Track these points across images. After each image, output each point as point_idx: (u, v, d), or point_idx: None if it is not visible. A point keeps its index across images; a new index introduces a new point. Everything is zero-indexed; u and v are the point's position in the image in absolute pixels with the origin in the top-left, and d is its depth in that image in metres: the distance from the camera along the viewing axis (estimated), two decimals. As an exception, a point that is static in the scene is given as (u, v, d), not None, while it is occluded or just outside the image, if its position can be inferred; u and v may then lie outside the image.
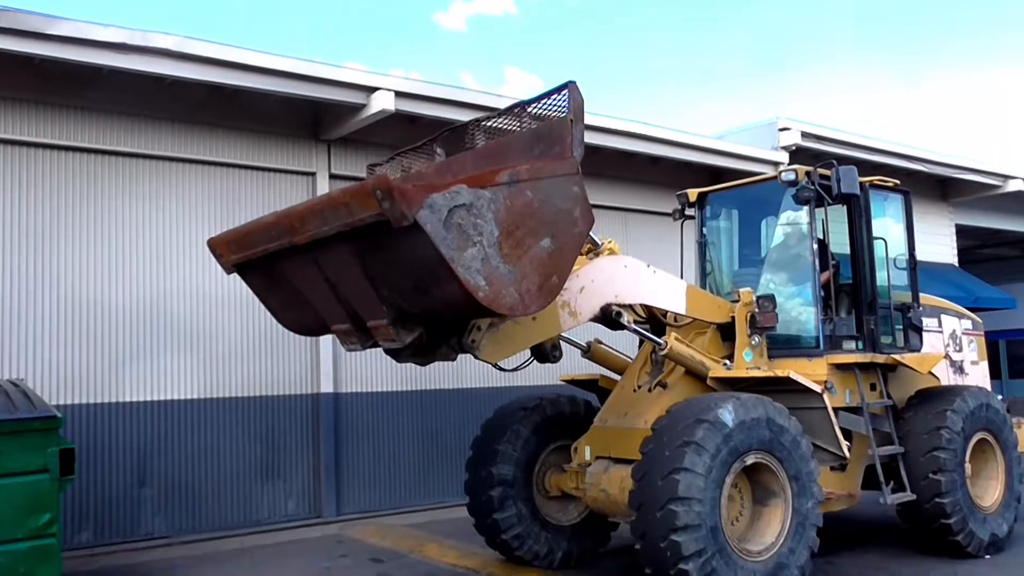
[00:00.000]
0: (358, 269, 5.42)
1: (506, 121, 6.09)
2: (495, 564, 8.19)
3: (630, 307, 7.51)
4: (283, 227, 5.74)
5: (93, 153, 9.60)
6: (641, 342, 8.04)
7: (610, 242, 7.36)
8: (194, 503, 9.84)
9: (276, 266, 6.11)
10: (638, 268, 7.12)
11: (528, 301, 5.21)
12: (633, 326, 7.16)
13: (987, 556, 8.20)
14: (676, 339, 7.30)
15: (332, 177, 11.10)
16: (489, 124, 6.24)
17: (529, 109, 5.89)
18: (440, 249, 4.77)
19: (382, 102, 10.23)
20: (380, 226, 4.79)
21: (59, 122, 9.39)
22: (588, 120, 12.06)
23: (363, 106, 10.36)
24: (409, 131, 11.45)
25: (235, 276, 10.41)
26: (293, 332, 7.12)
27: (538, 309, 5.36)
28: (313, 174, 11.00)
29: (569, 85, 5.59)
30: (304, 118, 10.94)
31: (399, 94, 10.39)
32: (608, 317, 6.78)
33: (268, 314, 10.59)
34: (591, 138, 12.35)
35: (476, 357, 6.33)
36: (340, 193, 5.31)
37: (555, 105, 5.72)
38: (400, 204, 4.63)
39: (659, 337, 7.52)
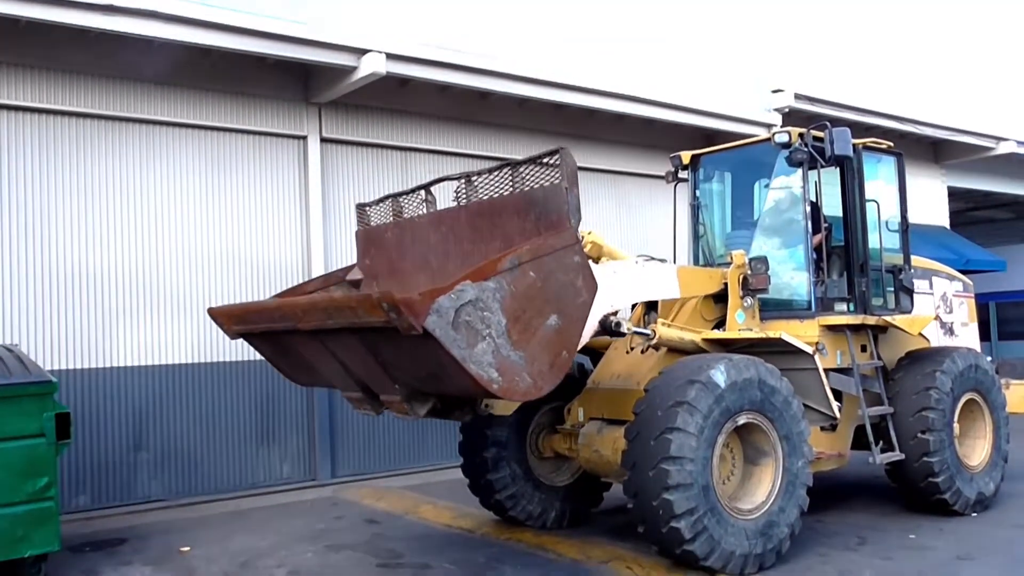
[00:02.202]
0: (368, 355, 5.49)
1: (498, 177, 6.05)
2: (489, 524, 8.29)
3: None
4: (286, 313, 5.86)
5: (81, 117, 9.52)
6: (633, 307, 8.07)
7: (590, 233, 7.33)
8: (190, 466, 9.90)
9: (282, 339, 6.20)
10: (627, 270, 7.05)
11: (541, 383, 5.23)
12: (633, 328, 7.12)
13: (974, 514, 8.32)
14: (663, 324, 7.33)
15: (323, 141, 11.05)
16: (481, 179, 6.18)
17: (521, 169, 5.83)
18: (451, 351, 4.80)
19: (373, 64, 10.14)
20: (388, 328, 4.84)
21: (46, 86, 9.30)
22: (581, 81, 12.11)
23: (354, 68, 10.28)
24: (400, 93, 11.40)
25: (228, 241, 10.48)
26: (305, 387, 7.12)
27: (551, 388, 5.36)
28: (304, 138, 10.94)
29: (561, 151, 5.56)
30: (294, 81, 10.85)
31: (390, 56, 10.30)
32: (608, 329, 6.72)
33: (261, 278, 10.66)
34: (584, 100, 12.33)
35: (492, 415, 6.58)
36: (345, 298, 5.41)
37: (548, 169, 5.66)
38: (407, 316, 4.66)
39: (653, 307, 7.56)
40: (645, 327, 7.35)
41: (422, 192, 6.72)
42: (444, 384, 5.37)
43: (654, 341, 7.17)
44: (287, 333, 5.96)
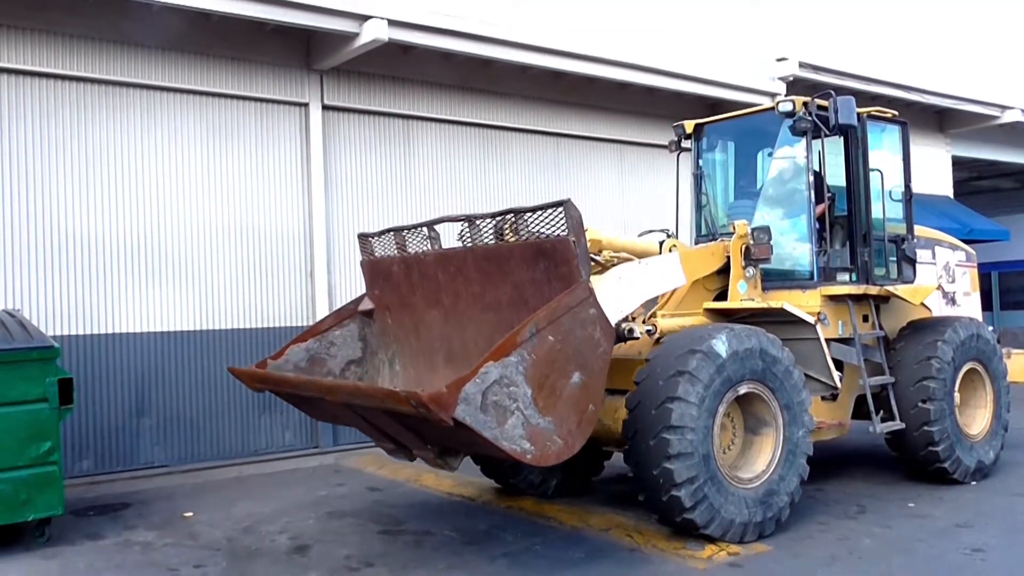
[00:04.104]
0: (399, 425, 5.68)
1: (502, 222, 6.09)
2: (490, 492, 8.34)
3: None
4: (312, 388, 6.16)
5: (82, 82, 9.46)
6: None
7: (588, 230, 7.27)
8: (192, 433, 9.95)
9: (309, 398, 6.47)
10: (632, 273, 6.87)
11: (572, 441, 5.37)
12: (644, 329, 7.01)
13: (973, 483, 8.37)
14: (662, 316, 7.28)
15: (325, 108, 10.98)
16: (485, 223, 6.22)
17: (526, 218, 5.86)
18: (483, 434, 4.96)
19: (375, 31, 10.05)
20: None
21: (47, 50, 9.23)
22: (584, 49, 12.01)
23: (355, 35, 10.19)
24: (403, 61, 11.32)
25: (229, 208, 10.46)
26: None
27: (582, 443, 5.47)
28: (306, 105, 10.87)
29: (565, 203, 5.58)
30: (295, 47, 10.76)
31: (392, 22, 10.21)
32: (622, 336, 6.61)
33: (263, 246, 10.65)
34: (586, 68, 12.24)
35: None
36: (371, 389, 5.71)
37: (552, 220, 5.70)
38: (436, 411, 4.82)
39: None
40: (644, 318, 7.32)
41: (424, 229, 6.75)
42: (476, 449, 5.63)
43: (657, 335, 7.14)
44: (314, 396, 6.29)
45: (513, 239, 6.05)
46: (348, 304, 7.75)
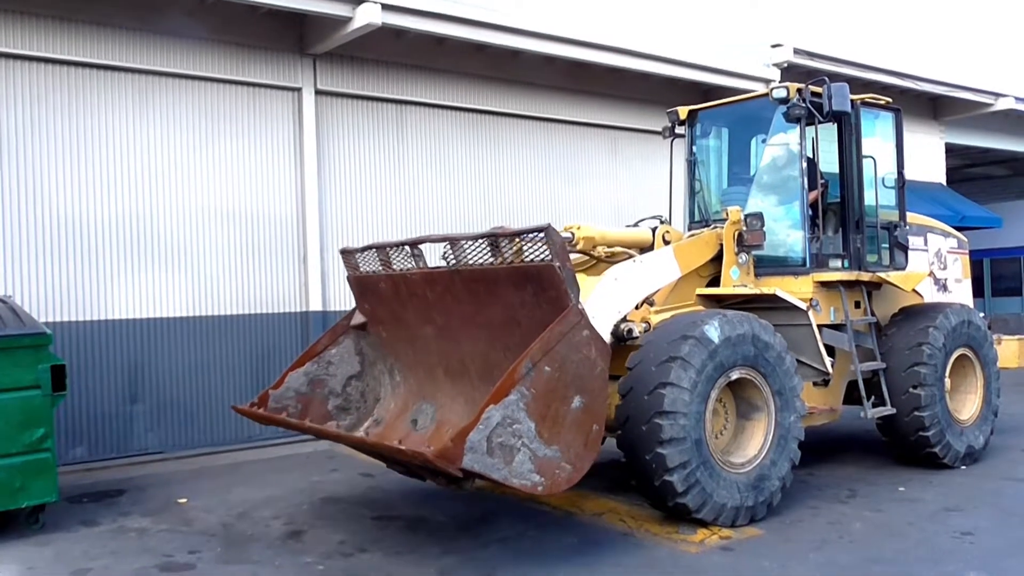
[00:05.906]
0: (411, 463, 5.80)
1: (484, 246, 6.05)
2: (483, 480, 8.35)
3: None
4: (320, 434, 6.60)
5: (74, 66, 9.41)
6: None
7: (579, 228, 7.31)
8: (186, 419, 9.96)
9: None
10: (628, 272, 6.85)
11: (580, 464, 5.41)
12: (641, 329, 6.92)
13: (963, 467, 8.43)
14: (655, 312, 7.24)
15: (318, 93, 10.94)
16: (468, 246, 6.16)
17: (511, 241, 5.85)
18: (492, 477, 5.04)
19: (368, 15, 10.01)
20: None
21: (39, 34, 9.18)
22: (578, 35, 11.97)
23: (349, 19, 10.15)
24: (396, 45, 11.28)
25: (222, 193, 10.43)
26: None
27: (590, 464, 5.50)
28: (299, 90, 10.83)
29: (546, 228, 5.57)
30: (288, 31, 10.72)
31: (385, 7, 10.17)
32: (621, 337, 6.59)
33: (256, 232, 10.63)
34: (580, 53, 12.22)
35: None
36: (377, 444, 5.90)
37: (535, 245, 5.68)
38: (444, 466, 4.91)
39: None
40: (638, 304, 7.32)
41: (407, 248, 6.69)
42: (486, 481, 5.67)
43: (651, 332, 7.14)
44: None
45: (499, 260, 6.01)
46: (340, 321, 7.75)
